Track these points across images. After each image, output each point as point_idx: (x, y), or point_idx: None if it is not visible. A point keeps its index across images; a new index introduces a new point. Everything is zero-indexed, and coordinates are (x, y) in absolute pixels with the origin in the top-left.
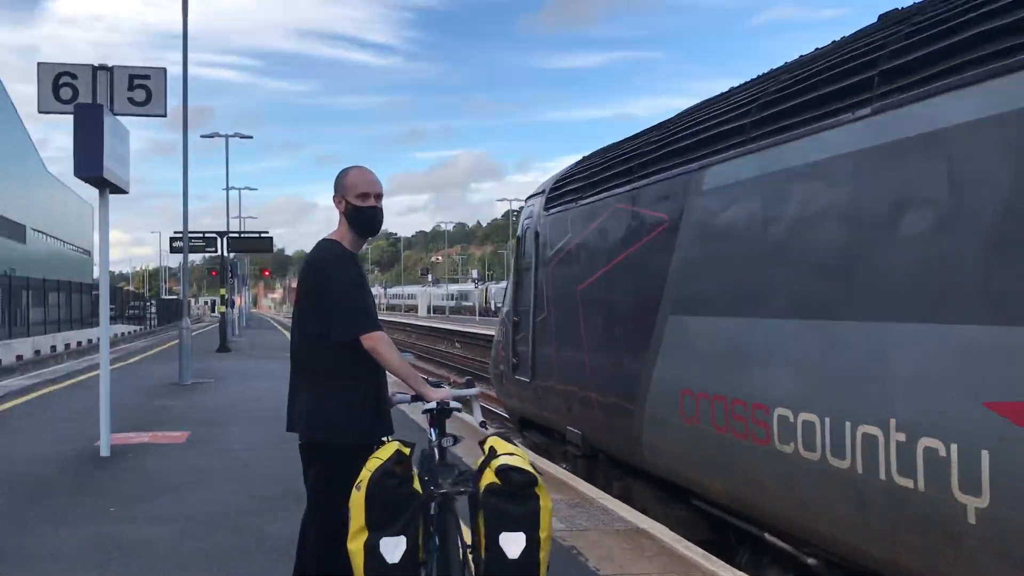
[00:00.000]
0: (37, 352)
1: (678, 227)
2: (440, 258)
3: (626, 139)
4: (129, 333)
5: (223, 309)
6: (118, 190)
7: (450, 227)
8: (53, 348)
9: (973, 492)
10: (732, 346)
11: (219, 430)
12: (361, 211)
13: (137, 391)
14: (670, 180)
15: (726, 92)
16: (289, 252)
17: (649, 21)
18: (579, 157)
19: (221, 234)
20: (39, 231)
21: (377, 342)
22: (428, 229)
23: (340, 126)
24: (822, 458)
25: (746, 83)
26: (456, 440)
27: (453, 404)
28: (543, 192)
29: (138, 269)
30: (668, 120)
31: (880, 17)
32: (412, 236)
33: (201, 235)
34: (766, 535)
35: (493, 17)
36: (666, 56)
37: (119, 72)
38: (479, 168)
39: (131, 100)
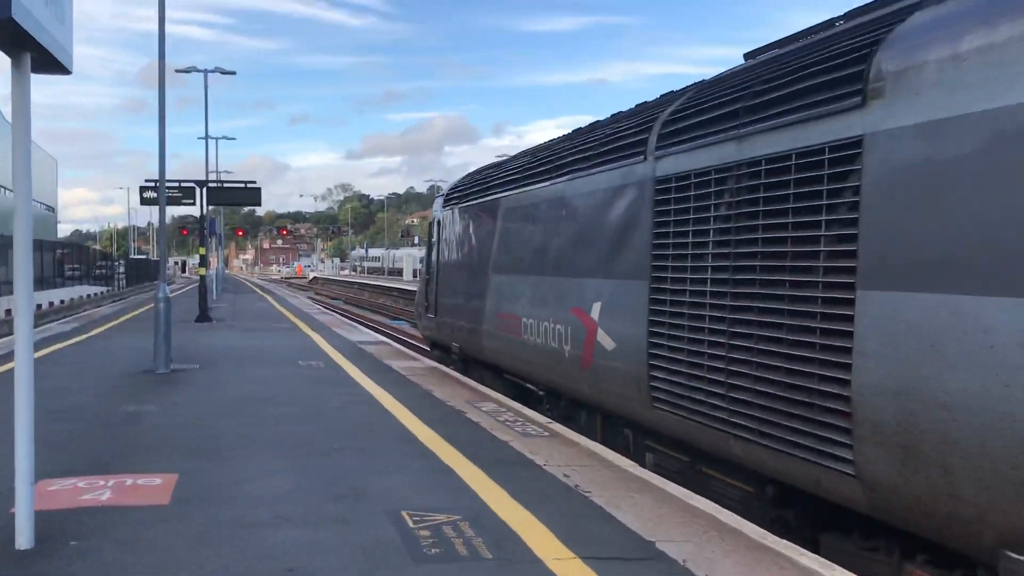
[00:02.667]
0: None
1: (496, 227)
2: (415, 220)
3: (488, 166)
4: (95, 295)
5: (202, 271)
6: (51, 61)
7: (424, 190)
8: (8, 312)
9: (572, 346)
10: (512, 289)
11: (222, 468)
12: None
13: (97, 384)
14: (494, 200)
15: (527, 151)
16: (260, 213)
17: None
18: (488, 161)
19: (200, 183)
20: None
21: None
22: (402, 191)
23: (314, 86)
24: (537, 340)
25: (538, 146)
26: None
27: None
28: (443, 195)
29: (106, 228)
30: (504, 161)
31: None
32: (384, 198)
33: (177, 184)
34: (527, 384)
35: None
36: (641, 21)
37: None
38: (454, 131)
39: None
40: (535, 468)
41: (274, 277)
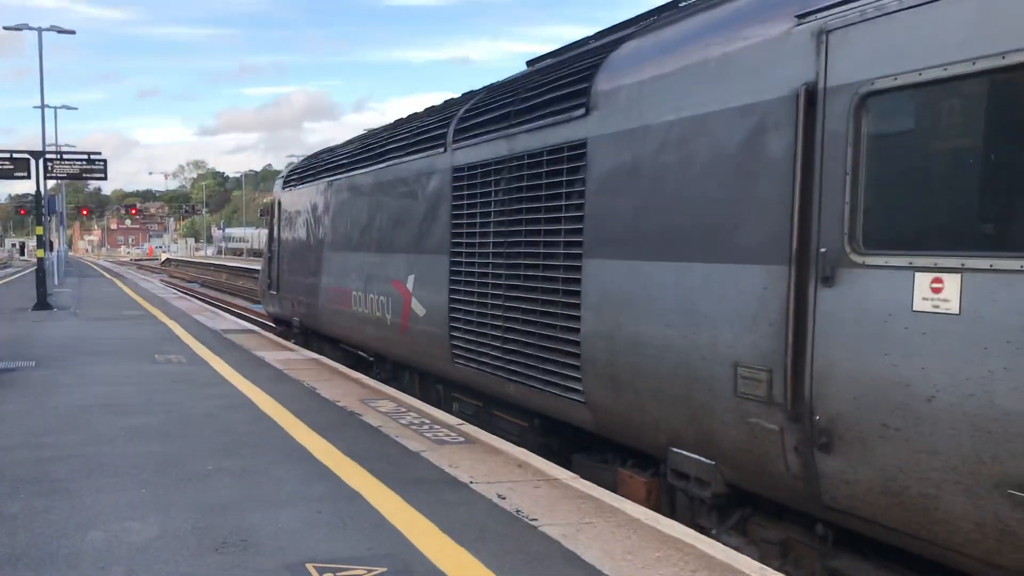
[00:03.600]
0: None
1: (328, 207)
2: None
3: (323, 150)
4: None
5: (41, 253)
6: None
7: (283, 167)
8: None
9: (392, 315)
10: (343, 265)
11: (58, 507)
12: None
13: None
14: (327, 182)
15: (360, 136)
16: (107, 192)
17: None
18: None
19: (36, 154)
20: None
21: None
22: (259, 168)
23: (163, 58)
24: (365, 311)
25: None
26: None
27: None
28: (283, 177)
29: None
30: (337, 146)
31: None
32: (241, 175)
33: (9, 155)
34: (359, 352)
35: None
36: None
37: None
38: (314, 107)
39: None
40: (463, 489)
41: (123, 259)
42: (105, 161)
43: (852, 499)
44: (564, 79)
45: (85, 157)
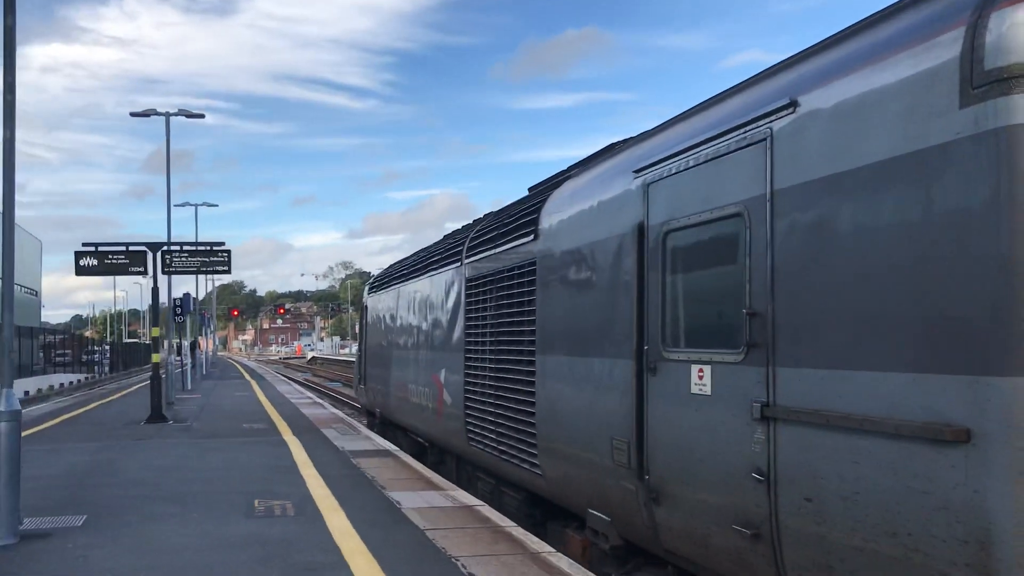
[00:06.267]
0: None
1: (393, 311)
2: None
3: (396, 261)
4: (71, 384)
5: (157, 358)
6: None
7: None
8: None
9: (432, 403)
10: (402, 361)
11: None
12: None
13: None
14: (394, 289)
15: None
16: (261, 293)
17: (619, 62)
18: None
19: (153, 247)
20: None
21: None
22: None
23: (316, 168)
24: (417, 400)
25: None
26: None
27: None
28: (369, 283)
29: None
30: (406, 257)
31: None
32: None
33: (124, 248)
34: (419, 439)
35: (467, 62)
36: (634, 97)
37: None
38: (454, 207)
39: None
40: None
41: (272, 357)
42: (229, 252)
43: (673, 543)
44: (526, 209)
45: (207, 248)
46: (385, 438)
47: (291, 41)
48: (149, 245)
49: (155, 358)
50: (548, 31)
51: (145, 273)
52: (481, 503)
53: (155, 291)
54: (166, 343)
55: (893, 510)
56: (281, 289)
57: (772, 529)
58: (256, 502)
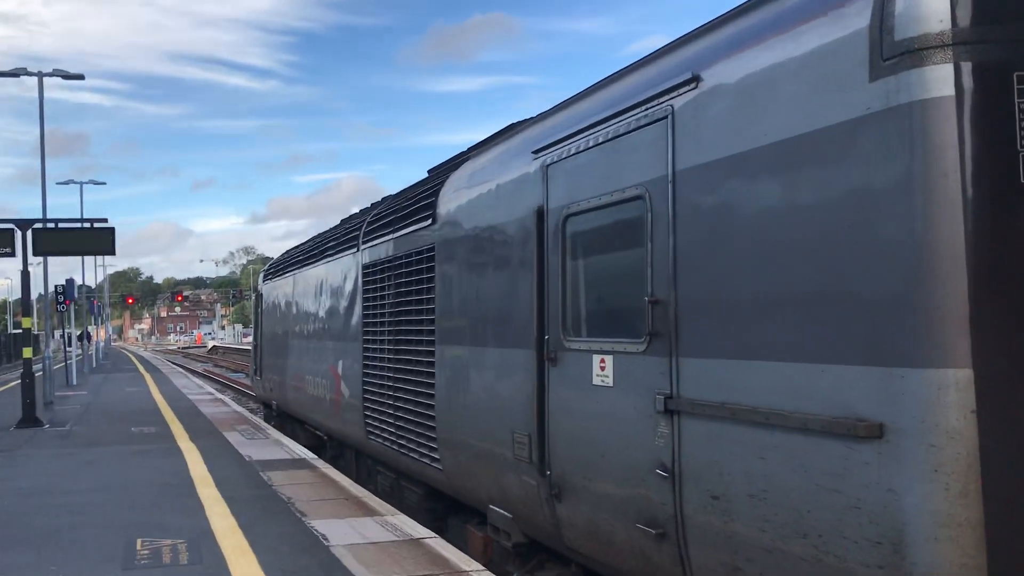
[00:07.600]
0: None
1: (290, 298)
2: None
3: (290, 249)
4: None
5: (28, 352)
6: None
7: None
8: None
9: (330, 394)
10: (299, 351)
11: None
12: None
13: None
14: (290, 276)
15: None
16: (159, 280)
17: (526, 47)
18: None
19: (22, 224)
20: None
21: None
22: None
23: (217, 150)
24: (314, 391)
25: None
26: None
27: None
28: (264, 270)
29: None
30: (302, 243)
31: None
32: None
33: None
34: (318, 433)
35: (373, 44)
36: (540, 80)
37: None
38: (361, 191)
39: None
40: None
41: (171, 347)
42: (112, 230)
43: (577, 541)
44: (423, 192)
45: (87, 225)
46: (282, 432)
47: (189, 20)
48: (17, 222)
49: (26, 352)
50: (456, 16)
51: (13, 254)
52: (432, 535)
53: (25, 275)
54: (56, 334)
55: (803, 509)
56: (180, 276)
57: (677, 528)
58: (139, 542)
